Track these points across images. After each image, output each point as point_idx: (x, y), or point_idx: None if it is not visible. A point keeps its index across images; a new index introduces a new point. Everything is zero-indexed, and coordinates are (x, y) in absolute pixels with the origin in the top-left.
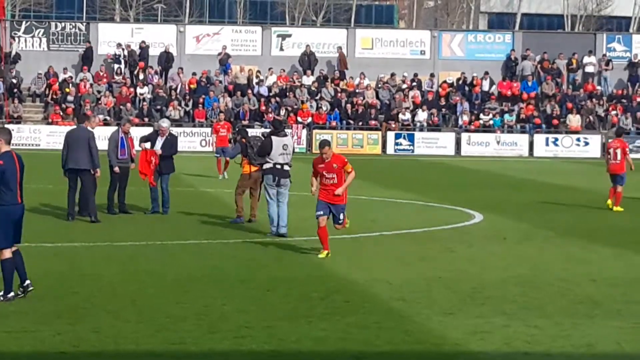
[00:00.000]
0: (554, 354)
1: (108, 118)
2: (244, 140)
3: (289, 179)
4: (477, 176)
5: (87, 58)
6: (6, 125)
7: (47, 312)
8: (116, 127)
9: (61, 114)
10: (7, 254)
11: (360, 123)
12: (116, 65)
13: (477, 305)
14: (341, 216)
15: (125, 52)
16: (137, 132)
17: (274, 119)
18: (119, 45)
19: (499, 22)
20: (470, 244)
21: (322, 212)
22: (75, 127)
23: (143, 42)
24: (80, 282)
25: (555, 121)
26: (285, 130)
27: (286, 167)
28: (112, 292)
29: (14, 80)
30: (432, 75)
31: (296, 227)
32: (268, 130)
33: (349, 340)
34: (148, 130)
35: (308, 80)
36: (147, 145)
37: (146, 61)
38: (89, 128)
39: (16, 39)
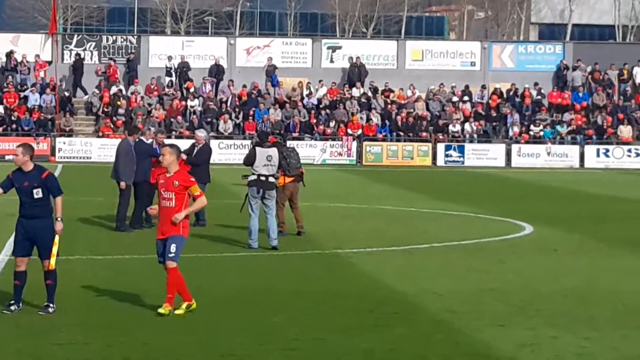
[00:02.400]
0: None
1: (165, 132)
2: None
3: (274, 190)
4: (528, 188)
5: (76, 70)
6: (58, 139)
7: (97, 324)
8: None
9: (112, 126)
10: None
11: (411, 135)
12: (167, 78)
13: (528, 317)
14: (172, 248)
15: (175, 64)
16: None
17: (260, 130)
18: (169, 57)
19: (550, 33)
20: (521, 255)
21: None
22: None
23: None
24: (129, 295)
25: (609, 131)
26: (286, 142)
27: (271, 179)
28: (158, 305)
29: (66, 94)
30: (483, 86)
31: (345, 239)
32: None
33: (399, 352)
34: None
35: (358, 92)
36: (184, 156)
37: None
38: (146, 140)
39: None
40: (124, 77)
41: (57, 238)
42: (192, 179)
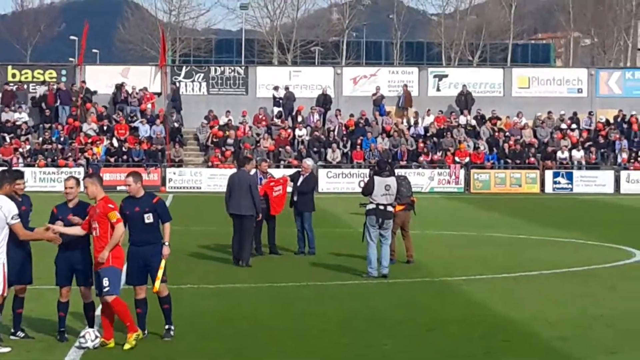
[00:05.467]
0: None
1: (268, 160)
2: None
3: (392, 220)
4: (638, 214)
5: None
6: (168, 169)
7: (212, 352)
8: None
9: (219, 156)
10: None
11: (518, 162)
12: (276, 109)
13: (639, 345)
14: (105, 282)
15: (282, 95)
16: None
17: (378, 160)
18: (276, 88)
19: None
20: (631, 282)
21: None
22: (237, 170)
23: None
24: (242, 323)
25: None
26: (394, 171)
27: (389, 208)
28: (274, 333)
29: (176, 124)
30: (590, 113)
31: (454, 267)
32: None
33: None
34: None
35: (465, 120)
36: (290, 184)
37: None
38: (252, 171)
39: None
40: (168, 107)
41: (163, 262)
42: (111, 205)
